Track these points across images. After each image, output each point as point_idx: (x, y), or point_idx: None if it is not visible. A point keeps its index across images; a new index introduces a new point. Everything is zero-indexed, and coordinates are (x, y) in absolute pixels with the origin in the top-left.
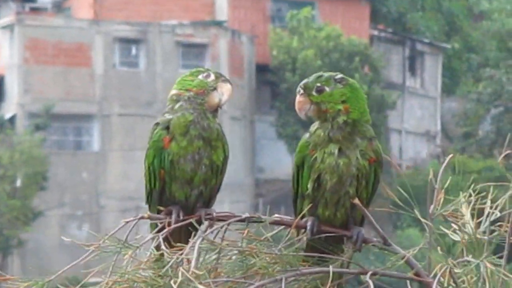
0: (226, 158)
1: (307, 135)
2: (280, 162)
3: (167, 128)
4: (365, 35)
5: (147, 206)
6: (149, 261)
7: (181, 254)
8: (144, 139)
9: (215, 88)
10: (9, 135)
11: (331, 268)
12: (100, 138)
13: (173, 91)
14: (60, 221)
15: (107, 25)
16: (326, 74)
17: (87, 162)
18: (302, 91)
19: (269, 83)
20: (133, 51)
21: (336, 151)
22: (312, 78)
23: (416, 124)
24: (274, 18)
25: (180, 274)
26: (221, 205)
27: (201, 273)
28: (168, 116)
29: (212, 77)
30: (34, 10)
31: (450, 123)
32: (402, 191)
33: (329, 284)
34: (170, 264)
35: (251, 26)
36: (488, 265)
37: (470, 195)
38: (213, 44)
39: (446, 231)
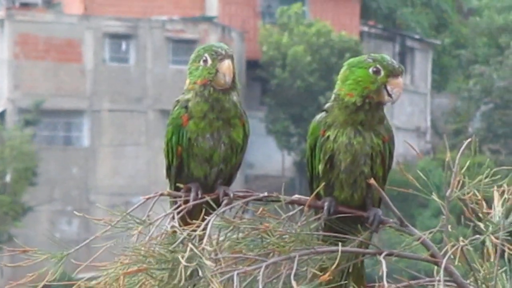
0: (246, 136)
1: (318, 116)
2: (270, 158)
3: (186, 107)
4: (356, 31)
5: (136, 202)
6: (160, 237)
7: (193, 230)
8: (134, 135)
9: (216, 71)
10: None
11: (342, 248)
12: (90, 134)
13: (186, 84)
14: (50, 216)
15: (97, 20)
16: None
17: (77, 157)
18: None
19: (259, 79)
20: (123, 46)
21: (353, 132)
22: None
23: (406, 120)
24: (264, 14)
25: (188, 249)
26: None
27: (211, 249)
28: (186, 96)
29: (209, 60)
30: (24, 5)
31: (440, 119)
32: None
33: (343, 265)
34: (180, 240)
35: (241, 22)
36: (493, 238)
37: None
38: (203, 39)
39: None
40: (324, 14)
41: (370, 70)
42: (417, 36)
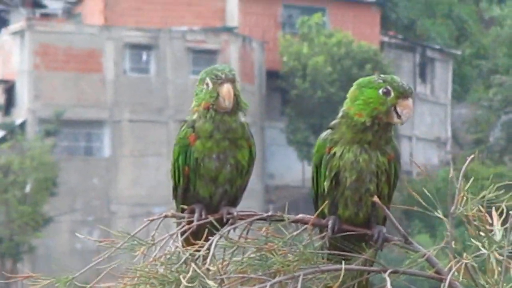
0: (252, 159)
1: (324, 134)
2: (290, 168)
3: (193, 127)
4: (376, 41)
5: (158, 211)
6: (162, 258)
7: (196, 250)
8: (155, 145)
9: (217, 95)
10: (20, 141)
11: (346, 266)
12: (110, 144)
13: (192, 105)
14: (70, 227)
15: (118, 31)
16: None
17: (97, 168)
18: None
19: (280, 89)
20: (144, 57)
21: (359, 150)
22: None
23: (427, 130)
24: (285, 24)
25: (191, 270)
26: None
27: (213, 269)
28: (194, 117)
29: (210, 84)
30: (45, 16)
31: (461, 129)
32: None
33: (348, 283)
34: (183, 260)
35: (262, 32)
36: (496, 255)
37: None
38: (224, 50)
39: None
40: (344, 25)
41: (380, 91)
42: (437, 47)
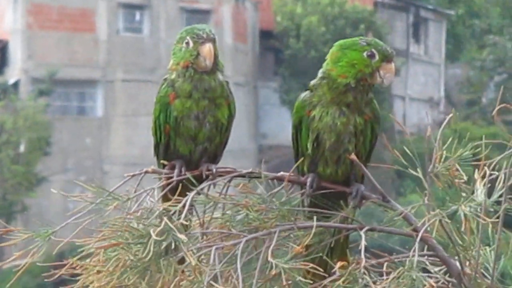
0: (231, 116)
1: (302, 94)
2: (284, 128)
3: (173, 86)
4: (370, 1)
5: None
6: (136, 213)
7: (173, 205)
8: (147, 105)
9: (198, 54)
10: (13, 100)
11: (321, 223)
12: (103, 104)
13: (169, 64)
14: (63, 186)
15: None
16: None
17: (90, 127)
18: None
19: (273, 49)
20: (137, 16)
21: (338, 112)
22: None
23: (420, 90)
24: None
25: (163, 223)
26: None
27: (186, 223)
28: (172, 76)
29: (191, 43)
30: None
31: (454, 89)
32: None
33: (326, 241)
34: (156, 214)
35: None
36: (463, 208)
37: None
38: (217, 9)
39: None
40: None
41: (365, 53)
42: (430, 7)
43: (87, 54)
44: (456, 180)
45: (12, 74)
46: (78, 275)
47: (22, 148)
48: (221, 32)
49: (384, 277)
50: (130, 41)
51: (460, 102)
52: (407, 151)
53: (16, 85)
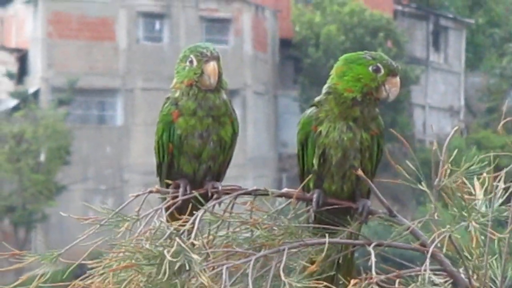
0: (235, 134)
1: (308, 111)
2: None
3: (176, 104)
4: (389, 10)
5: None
6: (147, 234)
7: (181, 225)
8: None
9: (202, 72)
10: (33, 109)
11: (330, 240)
12: (123, 113)
13: (173, 83)
14: (83, 195)
15: None
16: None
17: (110, 136)
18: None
19: (293, 58)
20: (157, 25)
21: (345, 127)
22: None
23: (440, 99)
24: None
25: (175, 244)
26: (245, 180)
27: (197, 243)
28: (176, 94)
29: (195, 61)
30: None
31: (474, 98)
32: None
33: (333, 257)
34: (167, 235)
35: (275, 1)
36: (474, 224)
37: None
38: (236, 18)
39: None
40: None
41: (370, 68)
42: (450, 15)
43: (107, 62)
44: (466, 196)
45: (32, 83)
46: None
47: (42, 157)
48: (241, 41)
49: None
50: (150, 50)
51: (480, 111)
52: (413, 164)
53: (36, 94)
